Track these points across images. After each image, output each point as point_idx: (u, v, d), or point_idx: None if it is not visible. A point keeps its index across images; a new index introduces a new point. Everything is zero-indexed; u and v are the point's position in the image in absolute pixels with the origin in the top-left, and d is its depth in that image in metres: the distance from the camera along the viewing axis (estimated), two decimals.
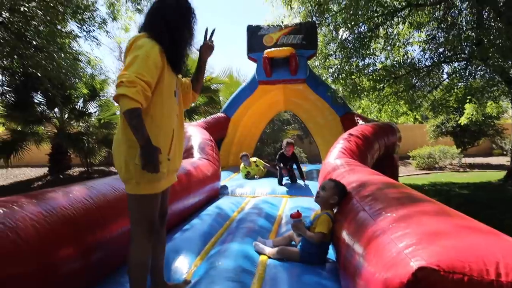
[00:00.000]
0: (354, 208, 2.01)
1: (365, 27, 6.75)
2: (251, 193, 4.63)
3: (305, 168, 7.45)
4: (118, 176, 1.72)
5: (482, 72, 6.75)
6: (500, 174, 8.44)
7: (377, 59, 7.34)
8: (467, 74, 6.81)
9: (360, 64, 6.98)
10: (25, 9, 5.82)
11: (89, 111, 10.35)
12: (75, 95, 9.83)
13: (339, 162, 3.73)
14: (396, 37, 7.29)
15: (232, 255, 2.24)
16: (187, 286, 1.98)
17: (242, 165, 6.04)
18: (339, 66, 7.01)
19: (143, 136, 1.51)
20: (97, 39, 7.77)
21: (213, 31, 2.05)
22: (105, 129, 10.27)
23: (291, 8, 7.06)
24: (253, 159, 6.14)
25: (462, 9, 6.73)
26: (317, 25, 7.14)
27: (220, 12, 51.37)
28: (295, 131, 14.52)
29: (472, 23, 6.41)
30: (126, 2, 8.33)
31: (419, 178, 9.80)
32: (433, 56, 6.79)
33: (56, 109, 9.92)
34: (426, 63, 6.81)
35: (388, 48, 7.32)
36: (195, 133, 5.41)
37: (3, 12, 5.83)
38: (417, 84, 7.02)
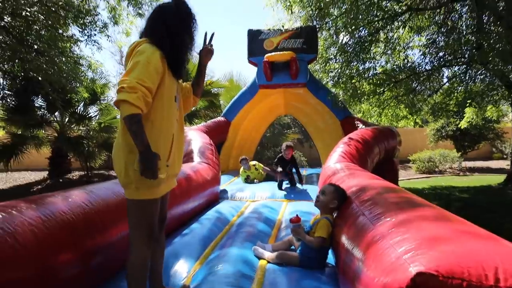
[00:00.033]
0: (354, 212, 2.01)
1: (366, 31, 6.78)
2: (251, 197, 4.63)
3: (305, 172, 7.45)
4: (117, 180, 1.72)
5: (482, 76, 6.76)
6: (500, 178, 8.42)
7: (378, 63, 7.37)
8: (467, 78, 6.82)
9: (361, 68, 6.99)
10: (27, 13, 5.87)
11: (89, 115, 10.37)
12: (76, 99, 9.84)
13: (339, 166, 3.73)
14: (397, 41, 7.31)
15: (231, 260, 2.24)
16: None
17: (241, 169, 6.04)
18: (339, 70, 7.02)
19: (142, 142, 1.51)
20: (98, 43, 7.84)
21: (212, 35, 2.06)
22: (105, 133, 10.28)
23: (291, 12, 7.10)
24: (253, 162, 6.15)
25: (462, 14, 6.77)
26: (317, 29, 7.17)
27: (220, 16, 51.70)
28: (295, 135, 14.54)
29: (472, 27, 6.44)
30: (128, 6, 8.40)
31: (419, 182, 9.79)
32: (433, 60, 6.80)
33: (56, 113, 9.94)
34: (426, 67, 6.82)
35: (389, 52, 7.34)
36: (195, 137, 5.41)
37: (5, 17, 5.88)
38: (417, 88, 7.02)
